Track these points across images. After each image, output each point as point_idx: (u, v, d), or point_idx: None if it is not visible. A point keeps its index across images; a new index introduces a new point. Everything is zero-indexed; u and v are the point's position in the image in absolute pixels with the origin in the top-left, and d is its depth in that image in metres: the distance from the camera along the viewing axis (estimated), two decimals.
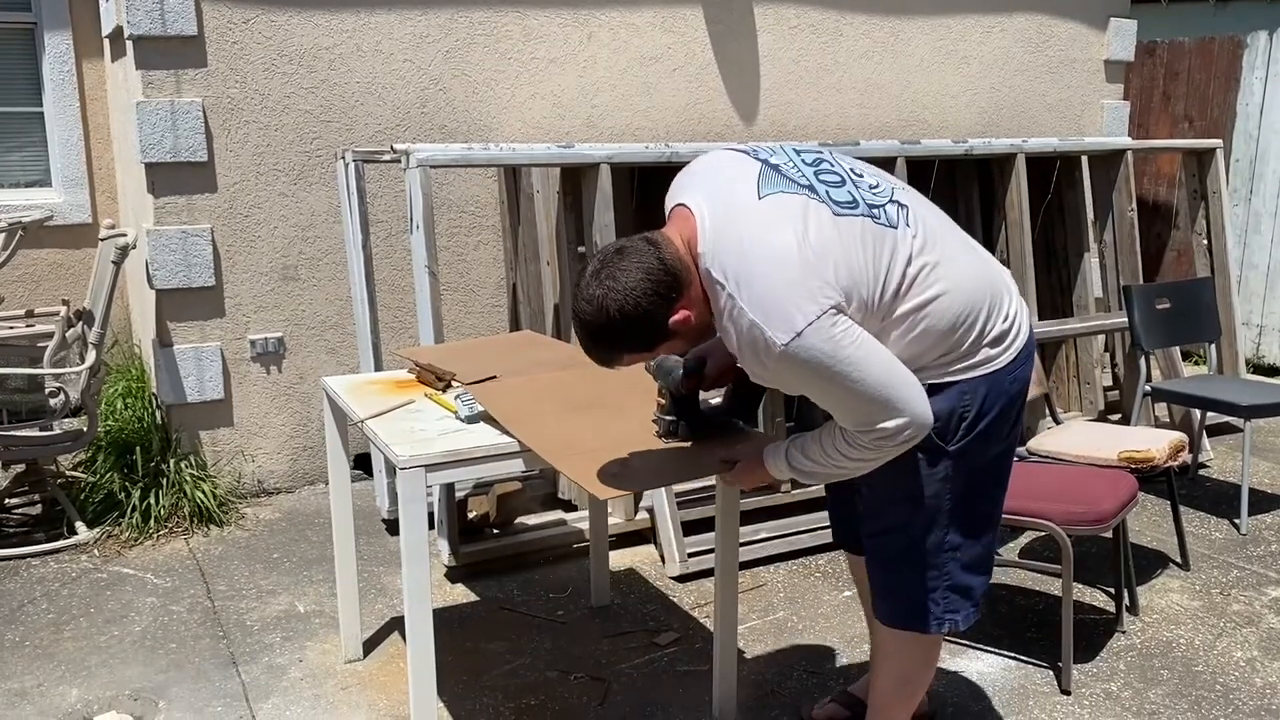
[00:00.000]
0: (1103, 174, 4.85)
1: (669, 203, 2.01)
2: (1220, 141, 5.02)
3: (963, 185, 4.85)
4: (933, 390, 1.96)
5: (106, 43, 4.81)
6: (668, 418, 2.27)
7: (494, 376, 2.68)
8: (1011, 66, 5.72)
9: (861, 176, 1.99)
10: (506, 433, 2.35)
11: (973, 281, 1.97)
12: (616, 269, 1.89)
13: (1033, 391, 3.65)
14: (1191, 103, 6.81)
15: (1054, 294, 5.01)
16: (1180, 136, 6.84)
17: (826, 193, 1.91)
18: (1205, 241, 5.03)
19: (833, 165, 1.99)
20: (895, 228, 1.91)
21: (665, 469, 2.25)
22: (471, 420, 2.43)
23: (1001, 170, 4.58)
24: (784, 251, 1.81)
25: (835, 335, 1.80)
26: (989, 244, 4.80)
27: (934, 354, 1.96)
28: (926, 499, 2.07)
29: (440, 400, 2.61)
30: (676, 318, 1.91)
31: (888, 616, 2.22)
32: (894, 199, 1.97)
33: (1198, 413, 4.59)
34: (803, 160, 1.97)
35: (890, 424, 1.88)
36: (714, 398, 2.40)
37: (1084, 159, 4.91)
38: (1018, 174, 4.51)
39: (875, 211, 1.92)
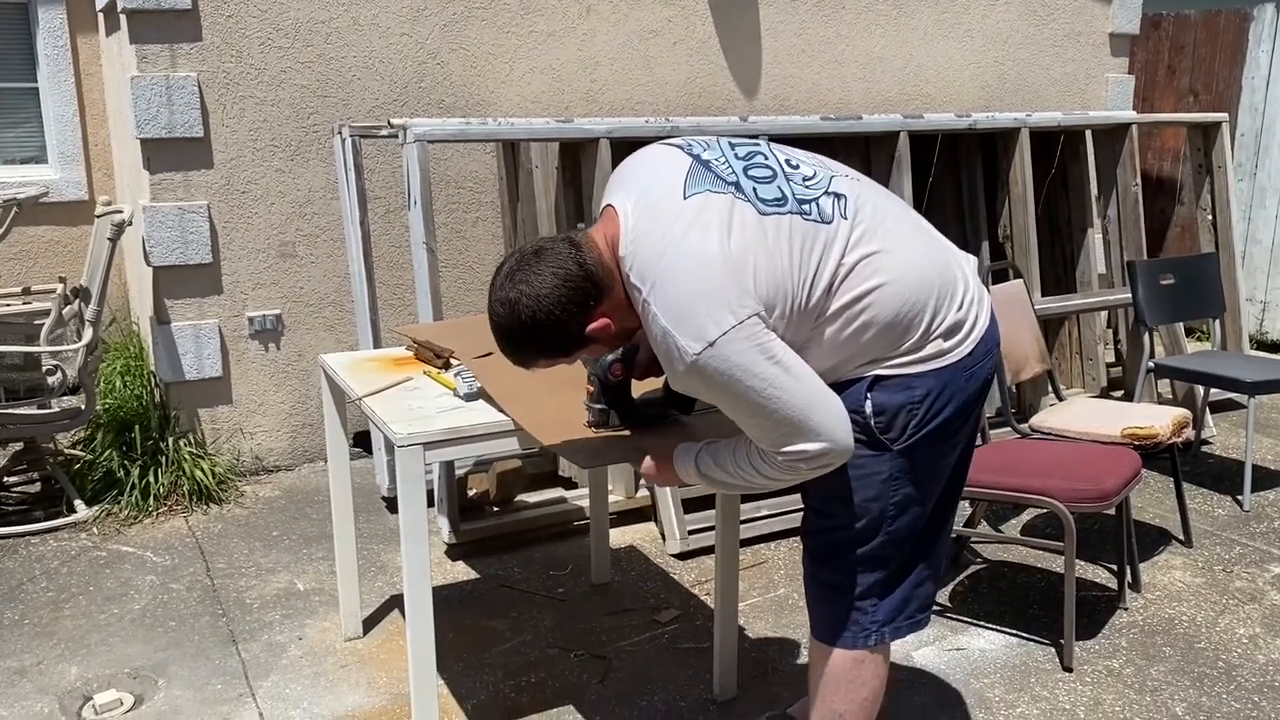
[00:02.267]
0: (1107, 148, 4.81)
1: (601, 202, 1.91)
2: (1225, 115, 4.98)
3: (966, 160, 4.81)
4: (880, 384, 1.86)
5: (100, 17, 4.77)
6: (597, 406, 2.18)
7: (491, 353, 2.66)
8: (1015, 40, 5.66)
9: (796, 168, 1.88)
10: (502, 411, 2.33)
11: (918, 270, 1.84)
12: (532, 272, 1.80)
13: (1035, 368, 3.64)
14: (1197, 76, 6.76)
15: (1057, 269, 4.98)
16: (1185, 110, 6.79)
17: (754, 190, 1.80)
18: (1210, 217, 5.00)
19: (766, 158, 1.88)
20: (828, 222, 1.80)
21: (603, 451, 2.18)
22: (471, 398, 2.41)
23: (1005, 145, 4.54)
24: (702, 256, 1.71)
25: (751, 349, 1.70)
26: (992, 219, 4.77)
27: (879, 347, 1.84)
28: (868, 501, 1.94)
29: (439, 378, 2.59)
30: (594, 325, 1.83)
31: (817, 627, 2.09)
32: (830, 190, 1.85)
33: (1201, 389, 4.57)
34: (735, 155, 1.87)
35: (808, 447, 1.76)
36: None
37: (1088, 133, 4.87)
38: (1021, 148, 4.47)
39: (806, 207, 1.80)
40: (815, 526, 2.04)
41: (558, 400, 2.35)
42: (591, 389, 2.18)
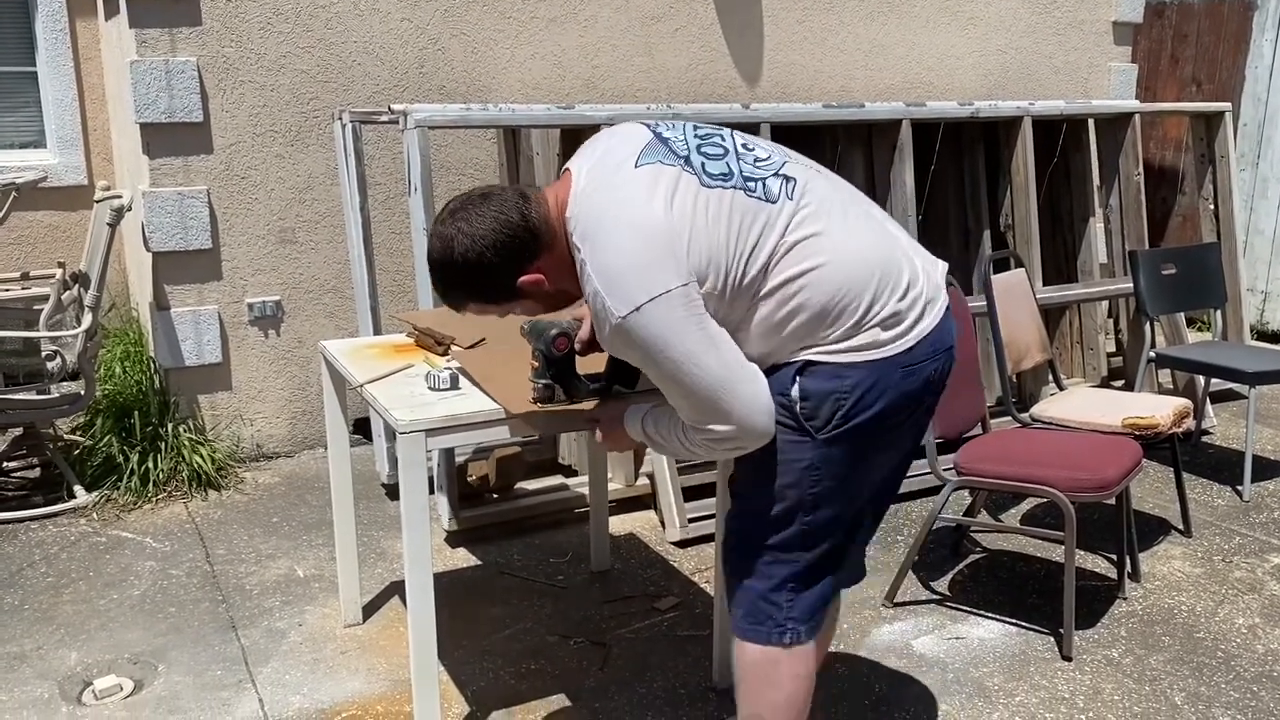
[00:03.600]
0: (1109, 138, 4.80)
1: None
2: (1229, 105, 4.96)
3: (968, 149, 4.80)
4: (811, 369, 1.84)
5: (99, 1, 4.74)
6: (542, 382, 2.20)
7: (483, 340, 2.67)
8: (1018, 28, 5.64)
9: (750, 150, 1.90)
10: (483, 390, 2.34)
11: (858, 255, 1.82)
12: (473, 213, 1.84)
13: (1036, 357, 3.63)
14: (1200, 65, 6.73)
15: (1059, 259, 4.97)
16: (1188, 100, 6.77)
17: (702, 164, 1.83)
18: (1212, 206, 4.99)
19: (723, 140, 1.90)
20: (773, 201, 1.81)
21: (559, 419, 2.25)
22: (449, 382, 2.39)
23: (1007, 133, 4.53)
24: (640, 222, 1.75)
25: (676, 319, 1.73)
26: (994, 208, 4.75)
27: (814, 331, 1.82)
28: (786, 486, 1.90)
29: (438, 365, 2.58)
30: (527, 278, 1.86)
31: (734, 621, 2.03)
32: (780, 172, 1.86)
33: (1201, 379, 4.57)
34: (694, 134, 1.90)
35: (715, 428, 1.81)
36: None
37: (1090, 122, 4.85)
38: (1024, 137, 4.45)
39: (751, 184, 1.82)
40: (732, 511, 2.02)
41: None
42: (536, 364, 2.21)
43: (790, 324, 1.82)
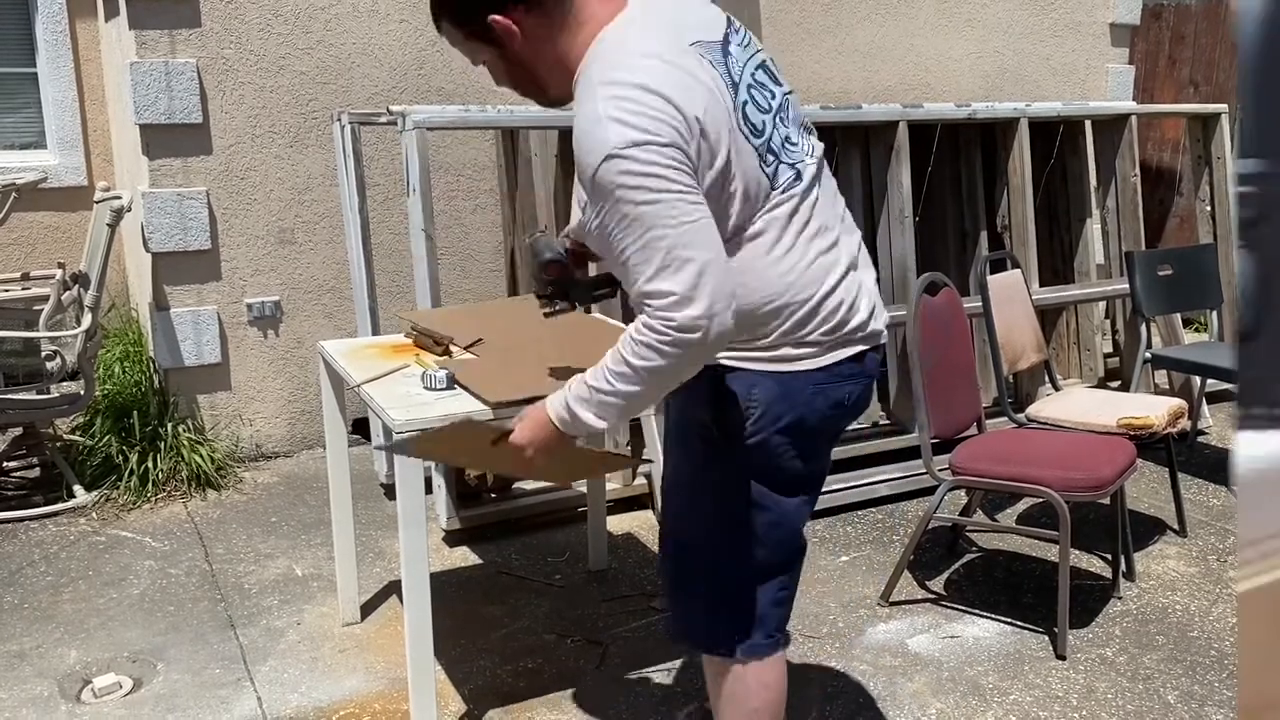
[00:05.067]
0: (1106, 139, 4.81)
1: None
2: (1226, 106, 4.97)
3: (965, 150, 4.81)
4: (729, 375, 1.79)
5: (99, 2, 4.75)
6: (544, 296, 2.13)
7: (480, 340, 2.68)
8: (1016, 30, 5.65)
9: (787, 125, 1.77)
10: (474, 394, 2.35)
11: (798, 274, 1.74)
12: None
13: (1032, 358, 3.65)
14: (1197, 67, 6.75)
15: (1055, 260, 4.98)
16: (1186, 101, 6.78)
17: (744, 104, 1.69)
18: (1208, 208, 5.00)
19: (773, 97, 1.76)
20: (774, 186, 1.72)
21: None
22: (445, 384, 2.41)
23: (1004, 135, 4.54)
24: (664, 92, 1.58)
25: (661, 169, 1.56)
26: (991, 209, 4.77)
27: (742, 326, 1.70)
28: (702, 496, 1.88)
29: (432, 365, 2.59)
30: (499, 18, 1.67)
31: (672, 626, 2.04)
32: (796, 165, 1.76)
33: (1197, 379, 4.58)
34: (751, 72, 1.75)
35: (670, 289, 1.57)
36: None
37: (1088, 124, 4.87)
38: (1021, 139, 4.46)
39: (768, 158, 1.71)
40: (665, 533, 2.02)
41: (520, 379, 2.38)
42: (541, 293, 2.13)
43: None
